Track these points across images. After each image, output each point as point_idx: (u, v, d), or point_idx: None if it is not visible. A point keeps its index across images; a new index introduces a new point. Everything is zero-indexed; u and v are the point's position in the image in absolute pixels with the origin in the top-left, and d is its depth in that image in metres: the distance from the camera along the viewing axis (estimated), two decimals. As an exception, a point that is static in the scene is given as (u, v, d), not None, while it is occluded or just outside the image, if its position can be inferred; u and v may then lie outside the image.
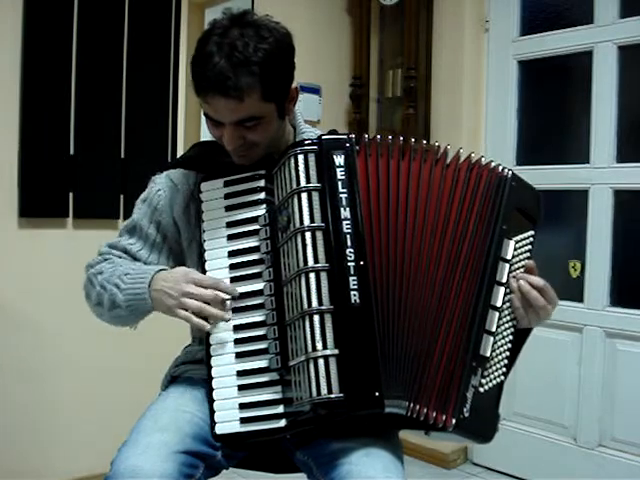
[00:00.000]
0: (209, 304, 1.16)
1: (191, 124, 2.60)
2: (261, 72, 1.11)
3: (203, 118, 1.22)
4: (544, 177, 2.57)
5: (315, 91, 2.94)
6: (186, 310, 1.16)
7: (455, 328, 1.12)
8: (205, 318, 1.16)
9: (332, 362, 1.06)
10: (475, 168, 1.19)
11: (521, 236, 1.21)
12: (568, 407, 2.54)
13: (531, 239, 1.23)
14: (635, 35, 2.37)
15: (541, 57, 2.66)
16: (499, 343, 1.16)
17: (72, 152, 2.32)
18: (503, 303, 1.16)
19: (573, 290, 2.52)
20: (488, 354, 1.13)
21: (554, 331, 2.53)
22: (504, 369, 1.17)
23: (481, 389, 1.12)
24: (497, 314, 1.14)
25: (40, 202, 2.27)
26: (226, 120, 1.16)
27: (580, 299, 2.51)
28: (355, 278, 1.08)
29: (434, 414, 1.08)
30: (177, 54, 2.55)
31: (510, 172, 1.20)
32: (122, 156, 2.44)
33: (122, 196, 2.43)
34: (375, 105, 3.07)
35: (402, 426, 1.18)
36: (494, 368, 1.15)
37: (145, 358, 2.33)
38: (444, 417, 1.08)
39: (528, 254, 1.22)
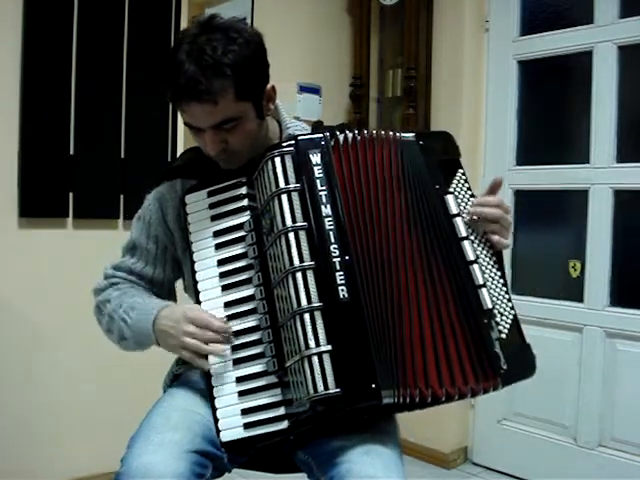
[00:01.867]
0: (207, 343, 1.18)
1: (191, 124, 2.60)
2: (233, 73, 1.12)
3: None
4: (544, 177, 2.57)
5: (315, 91, 2.94)
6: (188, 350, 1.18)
7: (454, 303, 1.13)
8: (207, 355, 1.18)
9: (326, 358, 1.06)
10: (386, 144, 1.19)
11: (455, 181, 1.22)
12: (568, 407, 2.53)
13: (463, 176, 1.23)
14: (635, 35, 2.37)
15: (541, 57, 2.65)
16: (492, 286, 1.18)
17: (72, 152, 2.33)
18: (476, 252, 1.17)
19: (573, 290, 2.52)
20: (490, 305, 1.15)
21: (554, 331, 2.53)
22: (508, 302, 1.19)
23: (503, 336, 1.14)
24: (477, 266, 1.16)
25: (40, 202, 2.27)
26: (205, 125, 1.16)
27: (580, 299, 2.51)
28: (342, 273, 1.09)
29: (481, 386, 1.11)
30: (177, 54, 2.54)
31: (411, 134, 1.21)
32: (122, 156, 2.43)
33: (122, 196, 2.42)
34: (375, 105, 3.07)
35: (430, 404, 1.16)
36: (502, 310, 1.17)
37: (145, 358, 2.31)
38: (490, 383, 1.11)
39: (469, 191, 1.22)
